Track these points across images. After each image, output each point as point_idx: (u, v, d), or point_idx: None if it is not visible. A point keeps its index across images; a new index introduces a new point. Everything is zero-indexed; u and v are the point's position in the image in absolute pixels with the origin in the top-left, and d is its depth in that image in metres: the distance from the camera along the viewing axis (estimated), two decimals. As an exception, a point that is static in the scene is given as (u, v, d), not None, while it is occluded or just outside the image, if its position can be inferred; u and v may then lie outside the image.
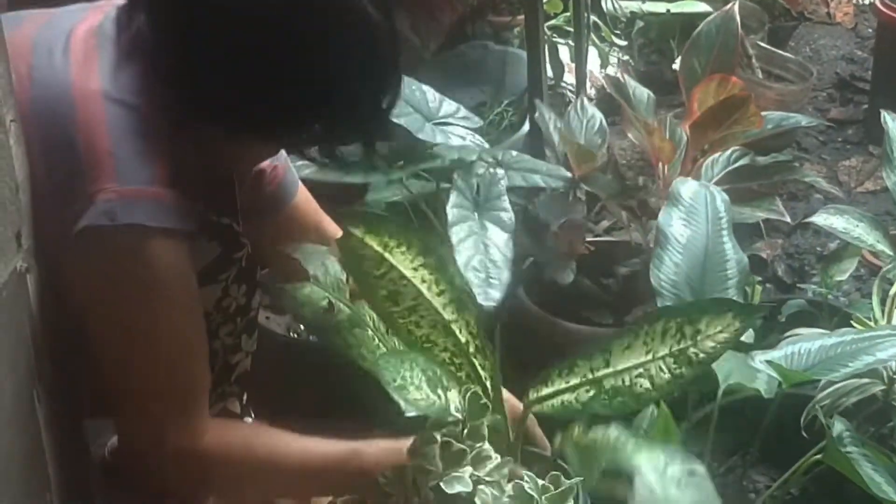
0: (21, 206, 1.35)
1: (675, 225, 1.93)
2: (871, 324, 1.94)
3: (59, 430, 1.44)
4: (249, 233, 1.67)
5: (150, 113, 1.45)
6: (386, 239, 1.56)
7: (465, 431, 1.47)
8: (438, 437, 1.44)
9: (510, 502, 1.43)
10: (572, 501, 1.44)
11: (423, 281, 1.59)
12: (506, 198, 2.03)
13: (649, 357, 1.57)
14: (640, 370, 1.57)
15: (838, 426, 1.68)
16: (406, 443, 1.51)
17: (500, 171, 2.14)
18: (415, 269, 1.58)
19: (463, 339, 1.60)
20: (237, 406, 1.78)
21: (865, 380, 1.83)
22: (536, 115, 2.46)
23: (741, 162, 2.38)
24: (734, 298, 1.82)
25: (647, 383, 1.56)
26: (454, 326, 1.61)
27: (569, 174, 2.29)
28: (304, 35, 1.41)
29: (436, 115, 2.31)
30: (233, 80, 1.43)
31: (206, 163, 1.53)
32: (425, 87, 2.33)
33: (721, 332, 1.57)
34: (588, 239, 2.46)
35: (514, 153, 2.29)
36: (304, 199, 1.90)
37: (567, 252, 2.33)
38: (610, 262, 2.45)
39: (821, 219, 2.25)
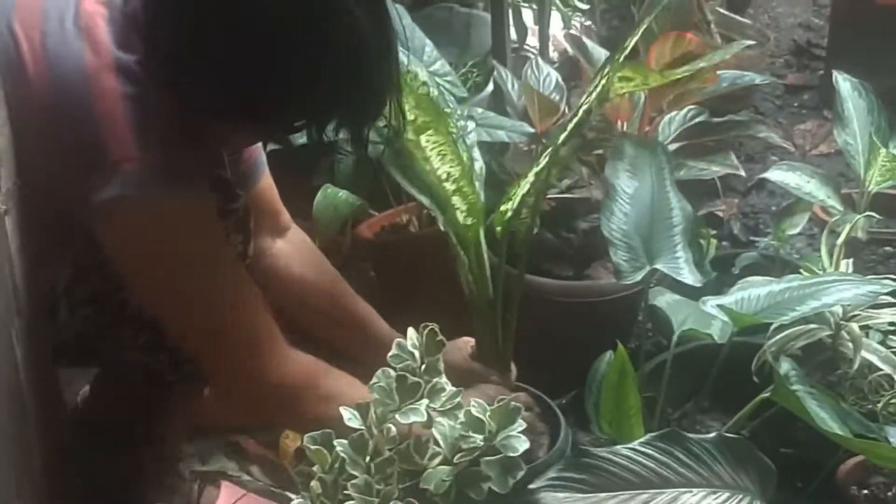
0: (0, 149, 1.39)
1: (622, 178, 2.00)
2: (819, 272, 2.00)
3: (36, 369, 1.49)
4: None
5: (159, 82, 1.48)
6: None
7: (423, 367, 1.53)
8: (394, 372, 1.51)
9: (462, 428, 1.49)
10: (520, 421, 1.50)
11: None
12: (476, 149, 2.09)
13: None
14: None
15: (785, 366, 1.75)
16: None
17: (471, 124, 2.20)
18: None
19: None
20: None
21: (813, 325, 1.90)
22: (497, 74, 2.51)
23: (697, 120, 2.45)
24: (681, 244, 1.89)
25: None
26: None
27: (532, 129, 2.34)
28: (297, 24, 1.42)
29: (425, 68, 2.33)
30: (226, 57, 1.43)
31: (210, 129, 1.56)
32: (427, 41, 2.36)
33: None
34: (550, 195, 2.52)
35: (480, 110, 2.35)
36: (268, 185, 1.94)
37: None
38: (571, 217, 2.51)
39: (774, 175, 2.32)
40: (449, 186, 1.78)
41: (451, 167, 1.75)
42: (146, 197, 1.44)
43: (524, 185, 1.77)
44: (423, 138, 1.72)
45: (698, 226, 2.02)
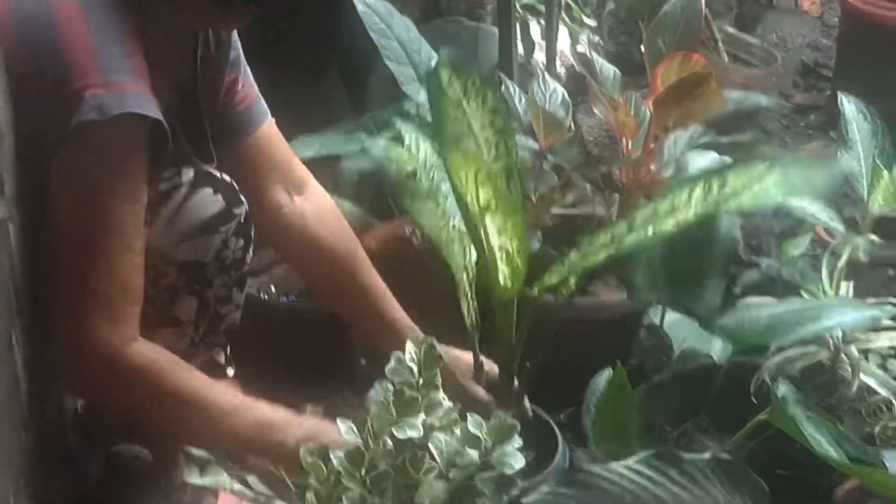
0: (4, 156, 1.39)
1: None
2: (820, 295, 2.01)
3: (36, 372, 1.49)
4: (218, 156, 1.75)
5: (123, 5, 1.51)
6: (468, 84, 1.66)
7: (420, 381, 1.53)
8: (392, 386, 1.51)
9: (458, 444, 1.49)
10: (516, 437, 1.51)
11: (486, 141, 1.67)
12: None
13: (674, 214, 1.59)
14: (665, 221, 1.59)
15: (783, 388, 1.75)
16: (332, 427, 1.57)
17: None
18: (482, 127, 1.67)
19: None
20: (221, 357, 1.85)
21: (812, 347, 1.90)
22: (503, 88, 2.51)
23: (702, 140, 2.45)
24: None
25: (672, 223, 1.58)
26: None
27: (536, 145, 2.35)
28: None
29: None
30: None
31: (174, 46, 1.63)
32: (434, 54, 2.36)
33: (750, 174, 1.56)
34: (554, 211, 2.52)
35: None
36: (273, 133, 1.92)
37: (533, 222, 2.39)
38: (574, 233, 2.51)
39: (777, 195, 2.31)
40: (498, 252, 1.71)
41: (510, 241, 1.70)
42: (104, 121, 1.45)
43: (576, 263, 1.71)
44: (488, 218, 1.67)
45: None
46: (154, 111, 1.50)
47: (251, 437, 1.63)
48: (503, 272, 1.69)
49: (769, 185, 1.55)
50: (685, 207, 1.59)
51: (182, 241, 1.64)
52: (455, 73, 1.66)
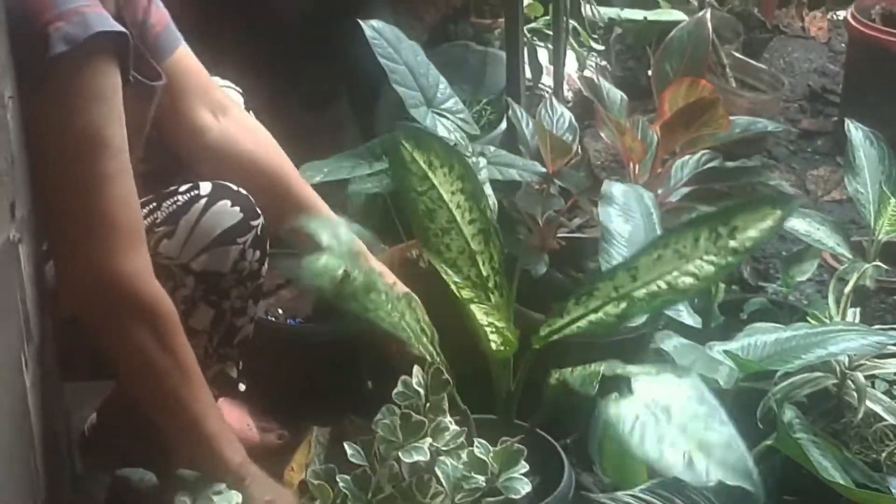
0: (16, 178, 1.40)
1: (615, 221, 2.03)
2: (826, 321, 2.01)
3: (45, 395, 1.50)
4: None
5: None
6: (432, 157, 1.72)
7: (427, 405, 1.54)
8: (399, 410, 1.52)
9: (465, 468, 1.50)
10: (523, 462, 1.51)
11: (458, 207, 1.73)
12: (488, 185, 2.11)
13: (683, 261, 1.58)
14: (677, 272, 1.58)
15: (789, 413, 1.76)
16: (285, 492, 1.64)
17: (483, 160, 2.23)
18: (452, 193, 1.73)
19: (485, 273, 1.71)
20: (234, 371, 1.86)
21: (818, 373, 1.90)
22: (510, 112, 2.53)
23: (710, 165, 2.46)
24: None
25: (690, 279, 1.57)
26: (479, 258, 1.73)
27: (543, 169, 2.36)
28: None
29: (438, 105, 2.35)
30: None
31: None
32: (441, 78, 2.38)
33: (761, 223, 1.57)
34: (560, 234, 2.53)
35: (492, 148, 2.37)
36: (189, 56, 1.89)
37: (539, 245, 2.40)
38: (580, 256, 2.52)
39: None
40: (487, 327, 1.71)
41: (494, 325, 1.70)
42: (73, 49, 1.47)
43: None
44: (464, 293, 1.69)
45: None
46: (115, 25, 1.52)
47: (213, 429, 1.62)
48: (495, 342, 1.70)
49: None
50: (693, 254, 1.58)
51: (200, 252, 1.69)
52: (417, 147, 1.69)
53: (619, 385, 1.51)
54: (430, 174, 1.73)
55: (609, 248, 1.97)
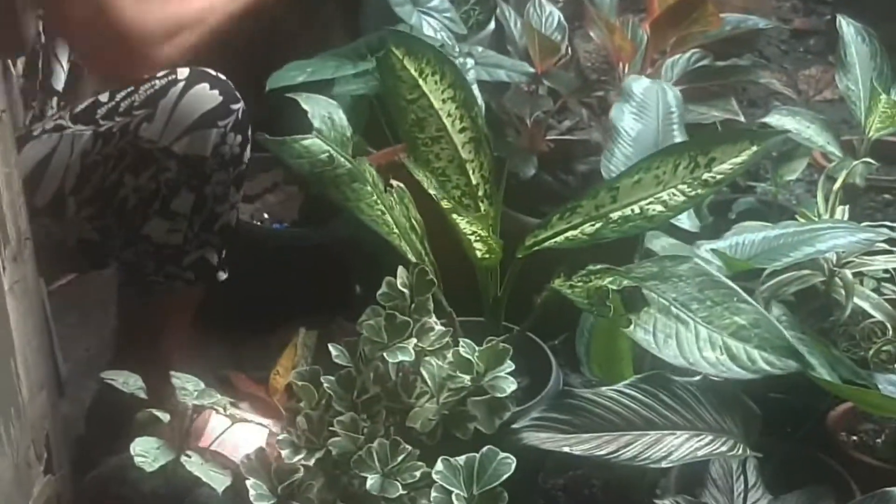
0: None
1: (627, 119, 2.00)
2: (815, 219, 2.00)
3: (24, 299, 1.49)
4: None
5: None
6: (423, 65, 1.71)
7: (412, 306, 1.53)
8: (383, 311, 1.51)
9: (450, 368, 1.49)
10: (509, 361, 1.51)
11: (449, 115, 1.72)
12: (476, 86, 2.08)
13: (660, 188, 1.63)
14: (652, 199, 1.63)
15: (776, 311, 1.75)
16: None
17: (470, 61, 2.19)
18: (443, 101, 1.72)
19: (475, 181, 1.70)
20: (214, 258, 1.87)
21: (806, 271, 1.89)
22: (499, 11, 2.49)
23: (700, 64, 2.43)
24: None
25: (660, 207, 1.62)
26: (469, 166, 1.72)
27: (532, 69, 2.32)
28: None
29: (424, 3, 2.29)
30: None
31: None
32: None
33: (738, 156, 1.62)
34: (549, 137, 2.51)
35: (480, 48, 2.33)
36: None
37: (528, 148, 2.38)
38: (569, 159, 2.50)
39: (773, 119, 2.30)
40: (466, 229, 1.69)
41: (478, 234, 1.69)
42: None
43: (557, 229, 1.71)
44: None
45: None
46: None
47: None
48: (480, 250, 1.69)
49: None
50: (671, 181, 1.62)
51: (181, 135, 1.71)
52: (408, 54, 1.66)
53: (633, 298, 1.52)
54: (421, 82, 1.71)
55: (614, 147, 1.95)
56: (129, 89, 1.73)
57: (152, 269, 1.82)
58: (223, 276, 1.88)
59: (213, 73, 1.75)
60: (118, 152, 1.72)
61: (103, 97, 1.76)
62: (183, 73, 1.73)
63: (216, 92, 1.72)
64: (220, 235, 1.84)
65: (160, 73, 1.72)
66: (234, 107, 1.74)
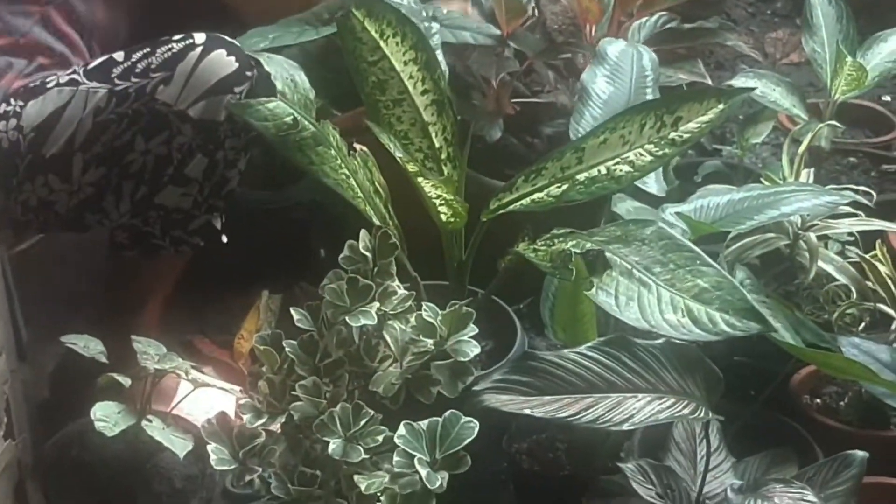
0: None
1: (599, 82, 1.98)
2: (780, 182, 2.00)
3: None
4: None
5: None
6: (384, 26, 1.69)
7: (375, 269, 1.52)
8: (346, 274, 1.50)
9: (413, 332, 1.49)
10: (472, 325, 1.50)
11: (411, 77, 1.71)
12: (440, 51, 2.06)
13: (627, 148, 1.63)
14: (618, 160, 1.63)
15: (740, 275, 1.75)
16: None
17: (435, 25, 2.17)
18: (405, 64, 1.71)
19: (437, 144, 1.70)
20: (218, 223, 1.87)
21: (771, 234, 1.89)
22: (464, -28, 2.46)
23: (667, 26, 2.42)
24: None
25: (627, 167, 1.62)
26: (431, 129, 1.71)
27: (497, 31, 2.31)
28: None
29: None
30: None
31: None
32: None
33: (704, 114, 1.62)
34: (515, 100, 2.49)
35: (445, 10, 2.31)
36: None
37: (494, 110, 2.37)
38: (535, 122, 2.49)
39: (740, 82, 2.30)
40: (430, 192, 1.68)
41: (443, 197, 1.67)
42: None
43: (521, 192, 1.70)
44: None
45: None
46: None
47: None
48: (444, 213, 1.68)
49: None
50: (637, 141, 1.62)
51: (197, 100, 1.72)
52: (368, 15, 1.65)
53: (595, 262, 1.51)
54: (382, 44, 1.70)
55: (583, 108, 1.94)
56: (145, 50, 1.74)
57: (158, 234, 1.82)
58: (225, 239, 1.88)
59: (229, 39, 1.76)
60: (132, 113, 1.72)
61: (118, 56, 1.76)
62: (200, 38, 1.74)
63: (233, 58, 1.73)
64: (224, 201, 1.85)
65: (177, 37, 1.73)
66: (249, 73, 1.74)
